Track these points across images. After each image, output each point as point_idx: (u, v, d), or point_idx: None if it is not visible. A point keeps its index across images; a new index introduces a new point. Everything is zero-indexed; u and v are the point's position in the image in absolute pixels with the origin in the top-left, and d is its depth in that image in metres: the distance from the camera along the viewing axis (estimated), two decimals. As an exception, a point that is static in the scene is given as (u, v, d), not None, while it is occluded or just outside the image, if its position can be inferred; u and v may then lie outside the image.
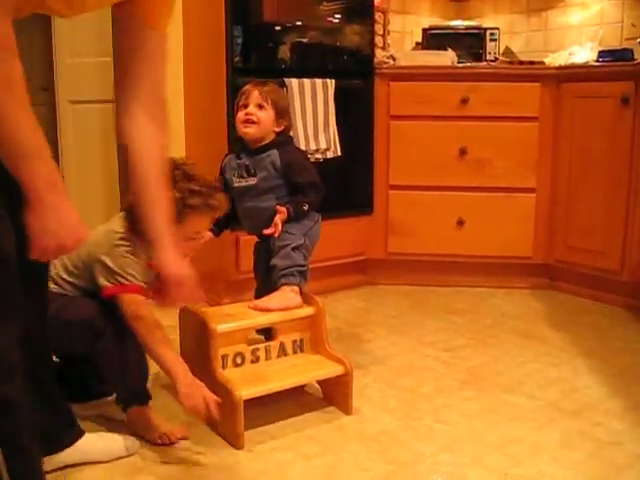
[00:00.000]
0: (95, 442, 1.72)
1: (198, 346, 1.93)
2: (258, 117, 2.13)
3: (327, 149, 3.01)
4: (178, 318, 2.06)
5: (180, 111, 3.17)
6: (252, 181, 2.16)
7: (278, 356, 2.00)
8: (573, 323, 2.81)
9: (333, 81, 3.01)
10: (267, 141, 2.16)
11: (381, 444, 1.83)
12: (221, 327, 1.88)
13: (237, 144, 2.28)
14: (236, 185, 2.20)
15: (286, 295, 2.02)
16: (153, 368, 1.86)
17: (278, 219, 2.06)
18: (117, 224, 1.85)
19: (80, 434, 1.69)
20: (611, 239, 2.97)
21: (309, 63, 3.03)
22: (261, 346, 1.99)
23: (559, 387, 2.19)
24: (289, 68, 2.95)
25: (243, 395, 1.79)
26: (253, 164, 2.16)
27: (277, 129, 2.16)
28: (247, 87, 2.18)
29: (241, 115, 2.15)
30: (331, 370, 1.98)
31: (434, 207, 3.25)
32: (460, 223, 3.24)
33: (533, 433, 1.89)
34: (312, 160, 2.96)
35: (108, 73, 3.15)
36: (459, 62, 3.36)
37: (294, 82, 2.89)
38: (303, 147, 2.91)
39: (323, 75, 2.99)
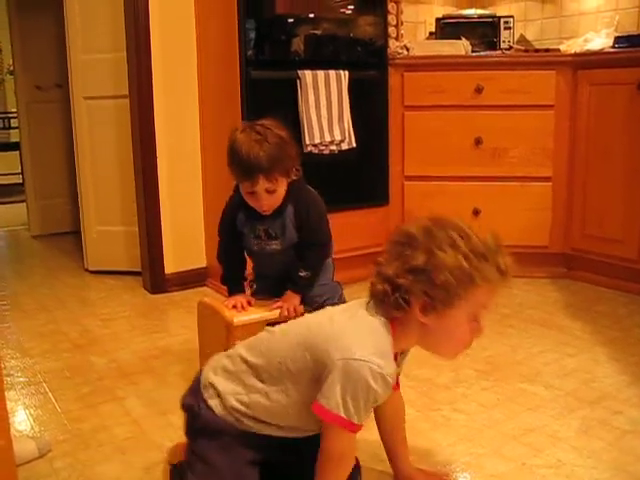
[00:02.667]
0: None
1: (216, 339, 1.95)
2: (270, 205, 1.92)
3: (342, 141, 3.01)
4: (197, 311, 2.07)
5: (195, 105, 3.18)
6: (276, 245, 1.99)
7: (295, 348, 2.01)
8: (591, 312, 2.80)
9: (347, 72, 3.00)
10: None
11: (399, 434, 1.84)
12: (238, 319, 1.89)
13: (242, 199, 1.96)
14: (256, 249, 2.02)
15: None
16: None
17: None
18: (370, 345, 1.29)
19: None
20: (629, 227, 2.94)
21: (322, 55, 3.03)
22: (278, 338, 1.99)
23: (578, 376, 2.18)
24: (302, 60, 2.95)
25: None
26: (273, 227, 1.97)
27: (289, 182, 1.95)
28: (243, 165, 1.85)
29: (252, 202, 1.92)
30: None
31: (450, 197, 3.24)
32: (476, 213, 3.22)
33: (552, 422, 1.88)
34: (327, 152, 2.98)
35: (122, 69, 3.17)
36: (473, 51, 3.34)
37: (308, 74, 2.89)
38: (317, 139, 2.91)
39: (337, 67, 2.99)
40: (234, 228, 2.02)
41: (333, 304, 1.93)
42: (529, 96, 3.13)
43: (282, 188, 1.91)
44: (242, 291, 2.04)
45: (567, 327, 2.63)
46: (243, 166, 1.85)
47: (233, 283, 2.05)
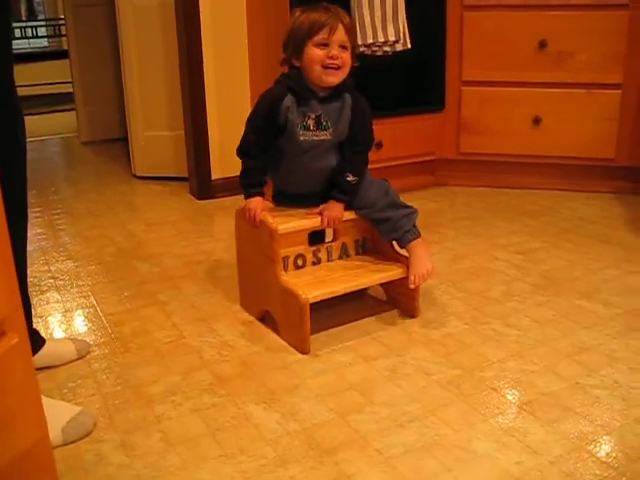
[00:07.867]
0: (48, 347, 1.68)
1: (257, 248, 1.87)
2: (343, 61, 1.77)
3: (396, 41, 2.83)
4: (235, 219, 1.97)
5: (242, 3, 3.04)
6: (325, 136, 1.82)
7: (340, 257, 1.93)
8: (657, 228, 2.64)
9: (403, -33, 2.80)
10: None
11: (446, 348, 1.76)
12: (283, 227, 1.80)
13: (292, 81, 1.82)
14: (303, 139, 1.81)
15: (425, 250, 1.89)
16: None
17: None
18: None
19: (44, 341, 1.67)
20: None
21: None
22: (323, 247, 1.91)
23: (639, 295, 2.06)
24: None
25: (310, 298, 1.73)
26: (326, 114, 1.81)
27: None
28: (323, 17, 1.76)
29: (321, 56, 1.75)
30: (396, 272, 1.88)
31: (509, 104, 3.05)
32: (537, 121, 3.04)
33: (609, 342, 1.78)
34: (380, 53, 2.82)
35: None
36: (542, -56, 3.08)
37: (361, -32, 2.70)
38: (370, 39, 2.75)
39: (393, -39, 2.78)
40: (272, 122, 1.80)
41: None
42: (601, -5, 2.88)
43: (349, 58, 1.79)
44: (262, 194, 1.86)
45: (630, 244, 2.48)
46: (320, 18, 1.76)
47: (256, 185, 1.86)
